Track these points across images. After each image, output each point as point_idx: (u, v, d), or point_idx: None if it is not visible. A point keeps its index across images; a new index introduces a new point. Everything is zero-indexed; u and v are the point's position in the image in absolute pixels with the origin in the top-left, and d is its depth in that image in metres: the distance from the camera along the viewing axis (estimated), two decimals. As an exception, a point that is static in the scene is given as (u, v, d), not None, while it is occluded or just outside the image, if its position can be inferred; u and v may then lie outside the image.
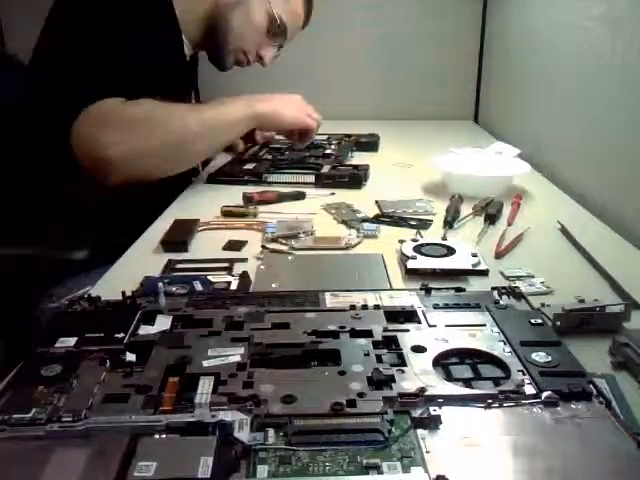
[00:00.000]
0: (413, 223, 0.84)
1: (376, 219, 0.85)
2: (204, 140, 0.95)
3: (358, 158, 1.20)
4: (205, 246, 0.77)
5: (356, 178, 1.03)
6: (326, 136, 1.31)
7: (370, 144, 1.30)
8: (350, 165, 1.11)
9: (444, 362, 0.47)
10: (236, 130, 1.01)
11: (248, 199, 0.92)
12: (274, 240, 0.77)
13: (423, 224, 0.83)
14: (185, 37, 1.06)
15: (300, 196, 0.96)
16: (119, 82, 0.89)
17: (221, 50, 1.11)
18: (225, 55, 1.12)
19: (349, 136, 1.34)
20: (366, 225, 0.82)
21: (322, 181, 1.03)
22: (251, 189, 0.97)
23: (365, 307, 0.54)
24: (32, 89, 0.92)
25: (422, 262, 0.68)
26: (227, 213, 0.87)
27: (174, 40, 1.03)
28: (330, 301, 0.56)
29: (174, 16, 1.00)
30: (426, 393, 0.42)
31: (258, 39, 1.12)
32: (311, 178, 1.03)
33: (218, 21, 1.06)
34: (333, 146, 1.26)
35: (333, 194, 0.98)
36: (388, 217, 0.86)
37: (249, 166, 1.11)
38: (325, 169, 1.07)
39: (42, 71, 0.92)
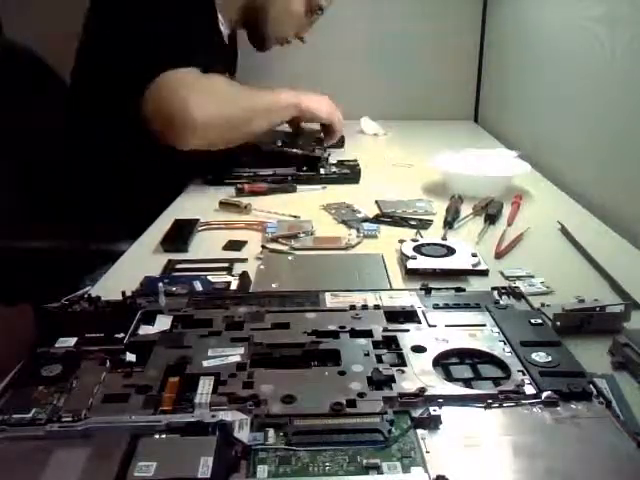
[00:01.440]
0: (413, 223, 0.84)
1: (376, 219, 0.85)
2: (262, 119, 1.03)
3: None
4: (205, 246, 0.77)
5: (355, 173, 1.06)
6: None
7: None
8: (343, 160, 1.13)
9: (444, 362, 0.47)
10: (284, 114, 1.08)
11: (239, 190, 0.97)
12: (274, 240, 0.77)
13: (423, 224, 0.83)
14: (224, 18, 1.10)
15: (291, 189, 0.99)
16: (183, 53, 0.93)
17: (261, 37, 1.18)
18: (265, 40, 1.19)
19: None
20: (366, 225, 0.82)
21: (319, 176, 1.04)
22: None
23: (365, 307, 0.54)
24: (95, 61, 0.97)
25: (422, 262, 0.68)
26: (223, 203, 0.91)
27: (210, 19, 1.06)
28: (330, 301, 0.56)
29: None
30: (426, 393, 0.42)
31: (297, 25, 1.19)
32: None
33: (258, 12, 1.12)
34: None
35: (325, 187, 1.01)
36: (388, 217, 0.86)
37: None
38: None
39: (104, 42, 0.97)
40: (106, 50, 0.96)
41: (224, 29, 1.12)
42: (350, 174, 1.06)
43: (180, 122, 0.91)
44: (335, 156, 1.16)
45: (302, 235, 0.78)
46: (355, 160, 1.12)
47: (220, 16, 1.09)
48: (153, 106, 0.90)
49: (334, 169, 1.08)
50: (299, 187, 1.00)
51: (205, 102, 0.93)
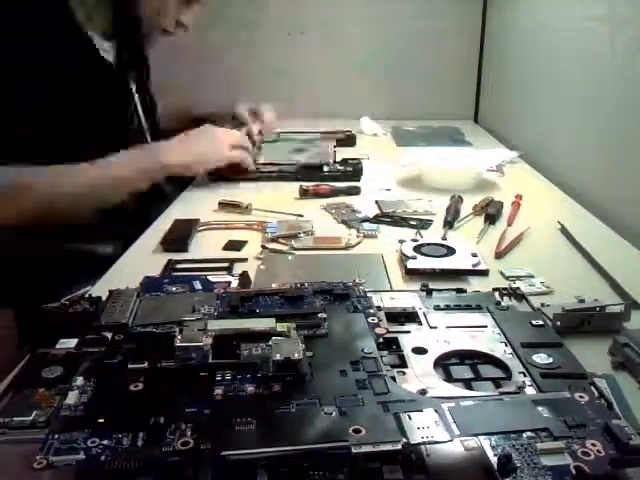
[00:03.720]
0: (413, 223, 0.84)
1: (376, 219, 0.85)
2: (82, 200, 0.86)
3: (339, 154, 1.19)
4: (205, 246, 0.77)
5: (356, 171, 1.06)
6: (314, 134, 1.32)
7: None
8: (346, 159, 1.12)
9: (444, 363, 0.47)
10: (128, 187, 0.88)
11: (304, 191, 0.96)
12: (274, 240, 0.77)
13: (423, 224, 0.83)
14: (95, 34, 0.95)
15: (354, 191, 0.98)
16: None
17: (138, 37, 1.00)
18: (145, 40, 1.02)
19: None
20: (366, 225, 0.82)
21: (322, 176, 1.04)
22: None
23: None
24: None
25: (422, 262, 0.68)
26: (222, 203, 0.90)
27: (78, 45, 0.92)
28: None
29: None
30: (427, 395, 0.42)
31: (172, 9, 0.99)
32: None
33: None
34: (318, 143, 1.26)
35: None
36: (388, 217, 0.86)
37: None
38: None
39: None
40: None
41: (103, 45, 0.97)
42: (352, 172, 1.06)
43: None
44: (345, 154, 1.15)
45: (302, 235, 0.78)
46: (358, 159, 1.11)
47: (92, 36, 0.95)
48: None
49: (338, 167, 1.07)
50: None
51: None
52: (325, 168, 1.06)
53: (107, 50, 0.98)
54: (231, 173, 1.02)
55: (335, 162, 1.10)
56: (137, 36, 1.00)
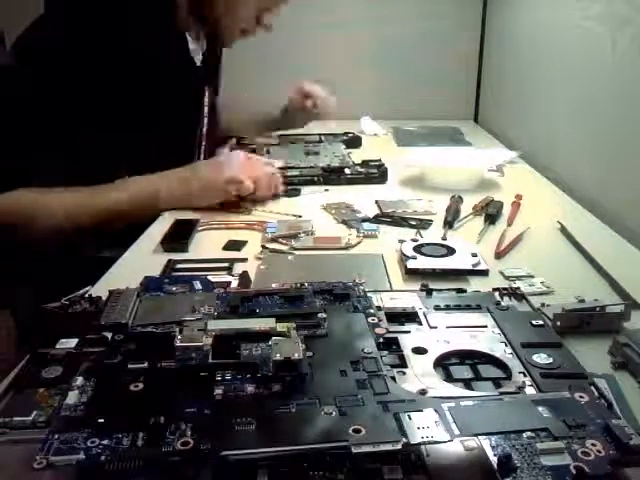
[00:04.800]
0: (413, 223, 0.84)
1: (376, 219, 0.85)
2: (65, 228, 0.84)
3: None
4: (205, 246, 0.77)
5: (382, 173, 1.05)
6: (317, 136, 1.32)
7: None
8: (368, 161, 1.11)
9: (445, 363, 0.47)
10: (124, 219, 0.85)
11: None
12: (274, 240, 0.77)
13: (423, 224, 0.83)
14: (190, 36, 1.00)
15: (294, 193, 0.98)
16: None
17: (217, 28, 1.01)
18: (223, 31, 1.02)
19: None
20: (366, 225, 0.82)
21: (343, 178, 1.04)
22: None
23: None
24: None
25: (422, 262, 0.68)
26: (224, 204, 0.89)
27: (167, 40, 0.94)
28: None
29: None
30: (427, 395, 0.42)
31: (253, 12, 1.01)
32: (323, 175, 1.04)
33: (205, 5, 0.98)
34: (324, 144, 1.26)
35: (327, 190, 1.00)
36: (388, 217, 0.86)
37: None
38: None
39: None
40: None
41: (193, 46, 1.01)
42: (377, 174, 1.05)
43: None
44: (354, 157, 1.15)
45: (302, 235, 0.78)
46: (379, 160, 1.10)
47: (187, 36, 0.99)
48: None
49: (360, 169, 1.07)
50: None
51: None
52: (347, 170, 1.06)
53: (195, 51, 1.01)
54: (225, 208, 0.90)
55: (355, 164, 1.09)
56: (219, 40, 1.05)
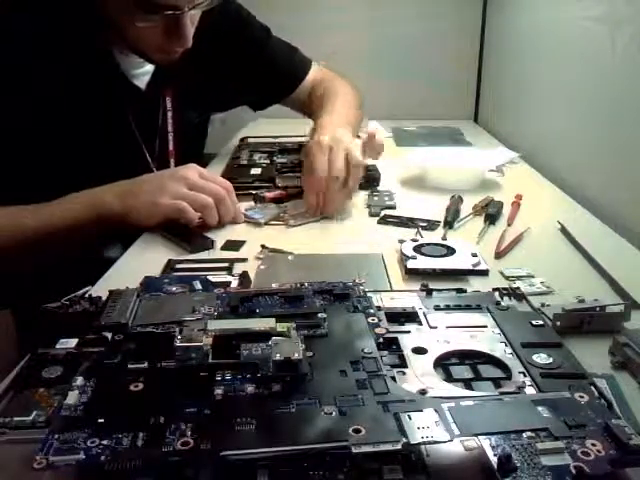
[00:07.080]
0: (422, 224, 0.83)
1: (383, 220, 0.85)
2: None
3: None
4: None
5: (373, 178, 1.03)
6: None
7: None
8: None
9: (444, 363, 0.47)
10: (60, 237, 0.78)
11: (261, 199, 0.91)
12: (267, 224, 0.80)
13: (431, 225, 0.83)
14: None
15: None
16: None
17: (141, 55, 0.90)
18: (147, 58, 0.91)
19: None
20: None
21: None
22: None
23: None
24: None
25: (422, 262, 0.68)
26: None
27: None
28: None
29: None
30: (427, 395, 0.42)
31: (154, 38, 0.84)
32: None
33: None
34: None
35: None
36: (395, 218, 0.86)
37: (255, 171, 1.09)
38: None
39: None
40: None
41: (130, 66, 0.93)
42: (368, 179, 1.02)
43: None
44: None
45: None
46: (373, 165, 1.07)
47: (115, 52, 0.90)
48: None
49: None
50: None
51: None
52: None
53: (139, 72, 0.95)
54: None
55: None
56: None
